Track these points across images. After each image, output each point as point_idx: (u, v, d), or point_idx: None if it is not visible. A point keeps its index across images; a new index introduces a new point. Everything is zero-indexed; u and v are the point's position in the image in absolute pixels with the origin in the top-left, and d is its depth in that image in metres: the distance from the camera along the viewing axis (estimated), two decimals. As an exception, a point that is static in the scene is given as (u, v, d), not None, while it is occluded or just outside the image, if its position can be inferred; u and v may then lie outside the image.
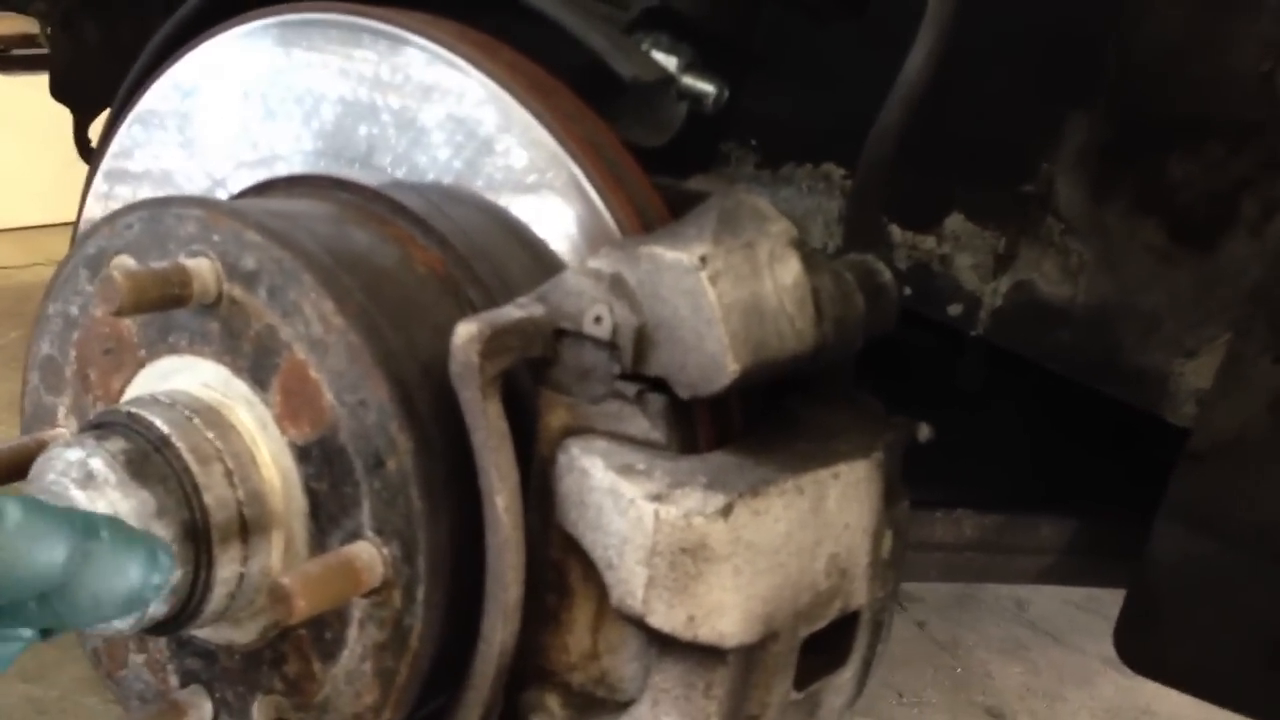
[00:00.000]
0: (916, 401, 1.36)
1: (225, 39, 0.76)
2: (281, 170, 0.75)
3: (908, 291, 1.24)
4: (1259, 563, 0.96)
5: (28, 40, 2.38)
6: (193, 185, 0.79)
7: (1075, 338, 1.16)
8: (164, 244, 0.66)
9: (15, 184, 3.56)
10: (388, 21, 0.71)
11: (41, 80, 2.28)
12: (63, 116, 1.88)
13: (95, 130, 1.80)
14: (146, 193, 0.81)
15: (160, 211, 0.66)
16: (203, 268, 0.64)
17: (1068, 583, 1.21)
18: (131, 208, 0.68)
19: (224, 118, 0.77)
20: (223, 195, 0.78)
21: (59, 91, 1.78)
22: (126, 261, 0.67)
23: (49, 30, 1.80)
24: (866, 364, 1.28)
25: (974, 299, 1.21)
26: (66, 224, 3.28)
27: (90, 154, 1.77)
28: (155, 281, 0.62)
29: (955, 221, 1.22)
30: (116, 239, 0.68)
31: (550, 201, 0.67)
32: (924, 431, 0.72)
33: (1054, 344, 1.17)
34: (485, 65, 0.67)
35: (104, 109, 1.78)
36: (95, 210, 0.83)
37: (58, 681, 1.74)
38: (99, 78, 1.74)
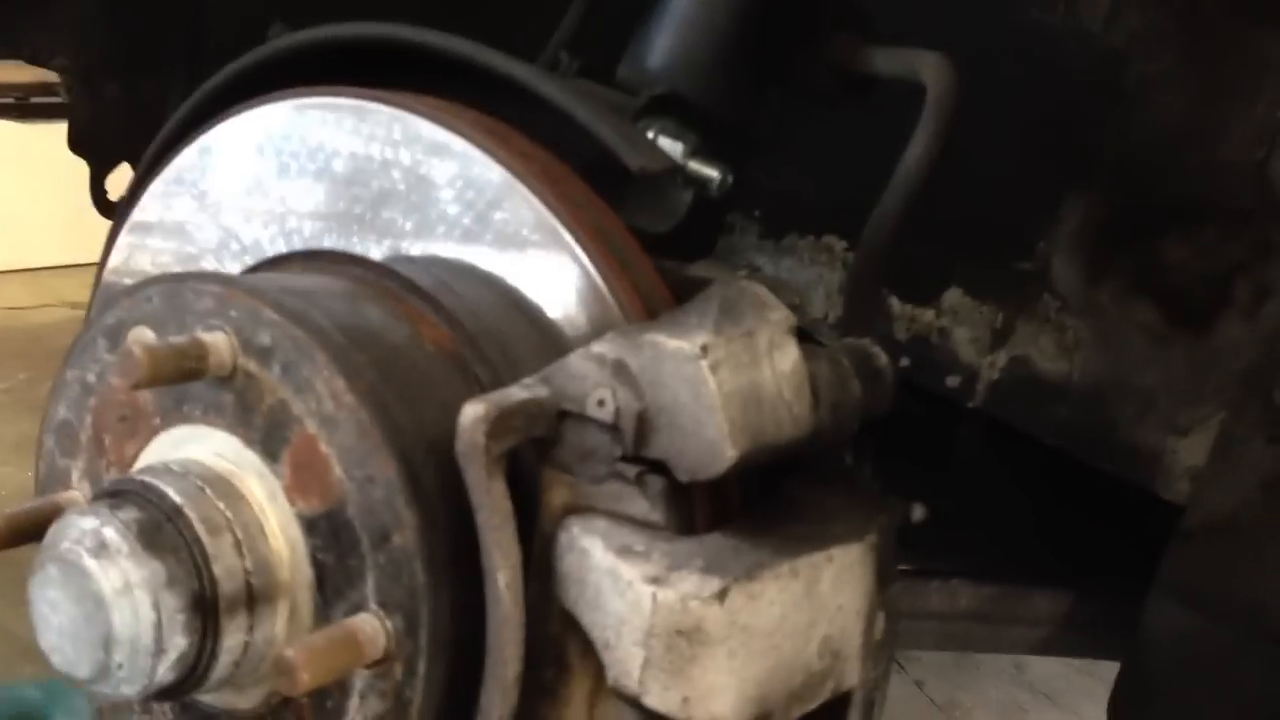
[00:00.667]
0: (913, 471, 1.38)
1: (247, 113, 0.79)
2: (292, 223, 0.77)
3: (905, 362, 1.26)
4: (1251, 641, 0.97)
5: (45, 89, 2.42)
6: (204, 235, 0.81)
7: (1071, 413, 1.19)
8: (182, 317, 0.68)
9: (27, 226, 3.61)
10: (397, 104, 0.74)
11: (55, 126, 2.32)
12: (75, 162, 1.92)
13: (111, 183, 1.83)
14: (158, 242, 0.84)
15: (179, 286, 0.68)
16: (219, 342, 0.66)
17: (1063, 654, 1.22)
18: (151, 281, 0.70)
19: (239, 172, 0.79)
20: (235, 246, 0.80)
21: (78, 144, 1.81)
22: (145, 333, 0.69)
23: (69, 85, 1.83)
24: (864, 434, 1.30)
25: (972, 372, 1.23)
26: (77, 266, 3.34)
27: (107, 206, 1.81)
28: (173, 355, 0.64)
29: (954, 296, 1.24)
30: (136, 311, 0.70)
31: (557, 286, 0.69)
32: (918, 512, 0.74)
33: (1050, 418, 1.20)
34: (499, 154, 0.69)
35: (121, 162, 1.82)
36: (117, 260, 0.86)
37: None
38: (117, 132, 1.78)
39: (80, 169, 1.90)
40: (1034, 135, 1.18)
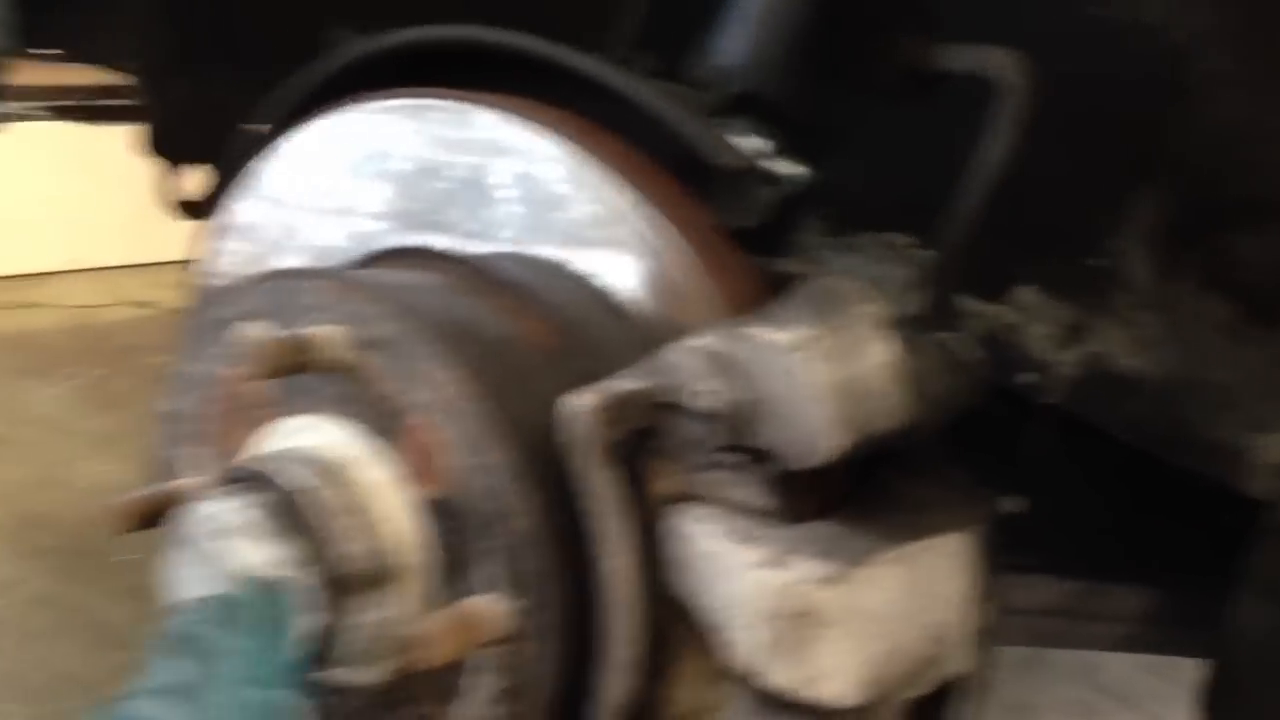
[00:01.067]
0: (987, 467, 1.38)
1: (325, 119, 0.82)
2: (354, 224, 0.80)
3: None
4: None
5: (109, 91, 2.47)
6: (269, 234, 0.84)
7: (1147, 409, 1.18)
8: (292, 311, 0.70)
9: (94, 226, 3.69)
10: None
11: (118, 127, 2.37)
12: (138, 162, 1.95)
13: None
14: (235, 244, 0.86)
15: (291, 282, 0.71)
16: (333, 335, 0.68)
17: (1145, 651, 1.22)
18: (264, 276, 0.73)
19: (305, 173, 0.82)
20: (298, 243, 0.82)
21: (150, 146, 1.85)
22: (256, 326, 0.72)
23: (139, 87, 1.87)
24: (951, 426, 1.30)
25: (1045, 368, 1.23)
26: (143, 265, 3.39)
27: (180, 207, 1.85)
28: (290, 348, 0.67)
29: (1027, 293, 1.24)
30: (247, 305, 0.73)
31: (651, 280, 0.71)
32: (1010, 505, 0.75)
33: (1126, 414, 1.19)
34: (596, 153, 0.71)
35: (192, 162, 1.86)
36: (211, 261, 0.88)
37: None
38: (188, 133, 1.82)
39: (142, 169, 1.94)
40: (1099, 132, 1.18)
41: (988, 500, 0.71)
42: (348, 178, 0.80)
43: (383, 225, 0.79)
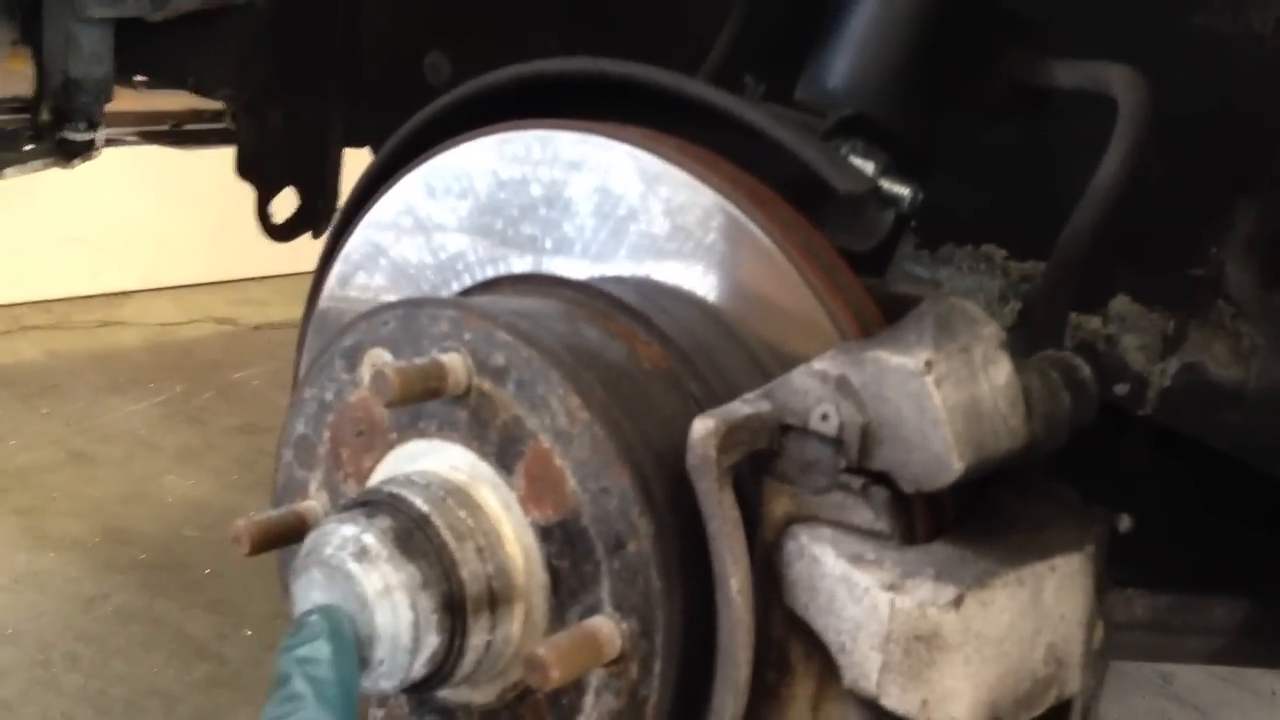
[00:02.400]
0: (1084, 480, 1.37)
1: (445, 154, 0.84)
2: (438, 239, 0.82)
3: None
4: None
5: (197, 115, 2.53)
6: (357, 253, 0.87)
7: (1246, 419, 1.17)
8: (418, 340, 0.73)
9: (175, 245, 3.77)
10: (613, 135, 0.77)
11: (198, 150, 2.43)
12: (217, 182, 2.00)
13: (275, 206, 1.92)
14: (363, 277, 0.89)
15: (415, 311, 0.73)
16: (455, 363, 0.70)
17: (1240, 664, 1.21)
18: (388, 306, 0.75)
19: (392, 197, 0.85)
20: (383, 262, 0.85)
21: (244, 171, 1.91)
22: (383, 354, 0.74)
23: (234, 114, 1.93)
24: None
25: (1141, 379, 1.22)
26: (222, 282, 3.48)
27: (273, 230, 1.89)
28: (419, 376, 0.69)
29: (1122, 302, 1.24)
30: (373, 333, 0.75)
31: (772, 303, 0.72)
32: (1125, 522, 0.75)
33: (1224, 425, 1.18)
34: (712, 180, 0.73)
35: (285, 186, 1.90)
36: (328, 289, 0.91)
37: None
38: (281, 158, 1.87)
39: (222, 190, 1.99)
40: (1203, 140, 1.17)
41: (1103, 519, 0.71)
42: (429, 198, 0.83)
43: (463, 241, 0.81)
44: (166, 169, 2.77)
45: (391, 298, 0.85)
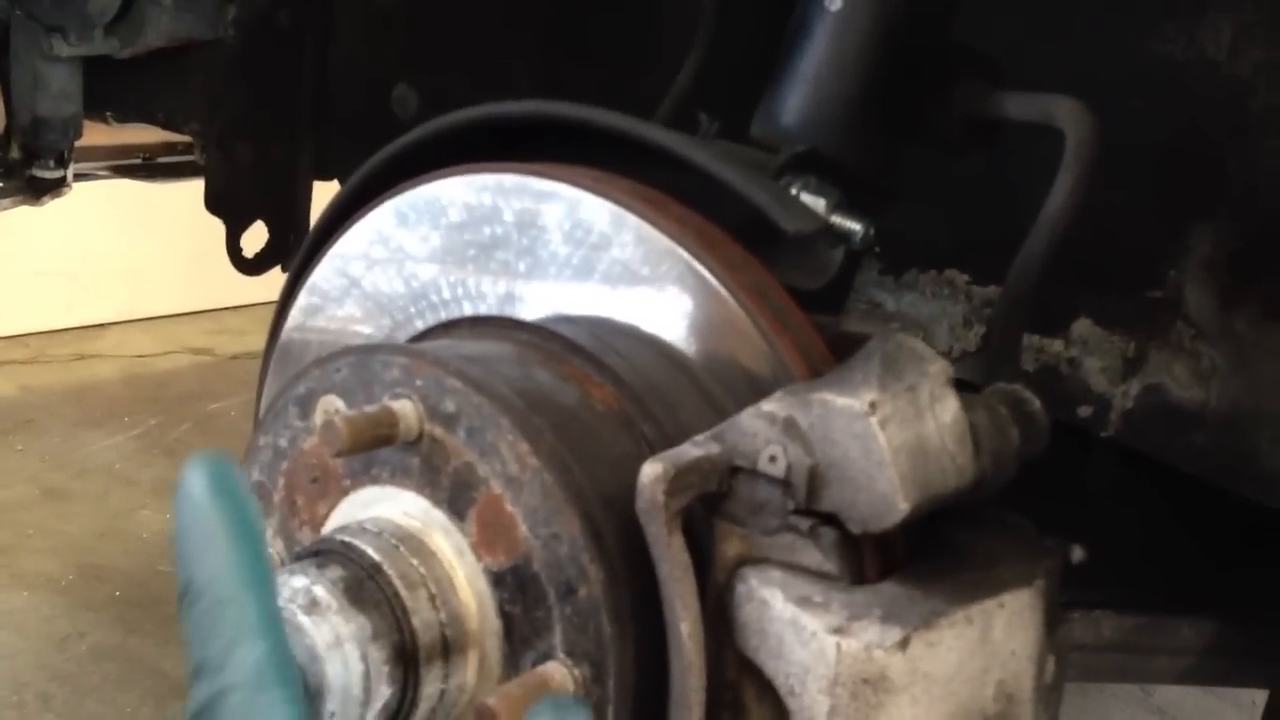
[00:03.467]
0: (1049, 503, 1.38)
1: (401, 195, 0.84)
2: (410, 268, 0.82)
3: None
4: None
5: (169, 148, 2.53)
6: (329, 285, 0.87)
7: (1209, 440, 1.18)
8: (370, 387, 0.73)
9: (150, 276, 3.77)
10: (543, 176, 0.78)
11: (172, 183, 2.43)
12: (192, 214, 2.00)
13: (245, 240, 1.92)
14: (303, 299, 0.89)
15: (367, 358, 0.73)
16: (406, 410, 0.70)
17: (1208, 683, 1.21)
18: (339, 354, 0.75)
19: (362, 229, 0.85)
20: (357, 294, 0.85)
21: (214, 205, 1.91)
22: (335, 402, 0.74)
23: (203, 148, 1.93)
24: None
25: (1104, 401, 1.23)
26: (197, 312, 3.49)
27: (243, 263, 1.89)
28: (369, 424, 0.69)
29: (1083, 326, 1.25)
30: (326, 381, 0.75)
31: (719, 346, 0.73)
32: (1077, 554, 0.76)
33: (1187, 446, 1.19)
34: (661, 223, 0.73)
35: (255, 220, 1.90)
36: (292, 322, 0.91)
37: None
38: (250, 192, 1.87)
39: (196, 220, 2.00)
40: (1160, 165, 1.18)
41: (1054, 551, 0.72)
42: (401, 228, 0.83)
43: (434, 269, 0.81)
44: (141, 200, 2.77)
45: (365, 329, 0.85)
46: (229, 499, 0.54)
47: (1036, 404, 0.76)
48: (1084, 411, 1.24)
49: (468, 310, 0.81)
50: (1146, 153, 1.18)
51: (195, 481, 0.54)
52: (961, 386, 0.74)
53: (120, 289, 3.74)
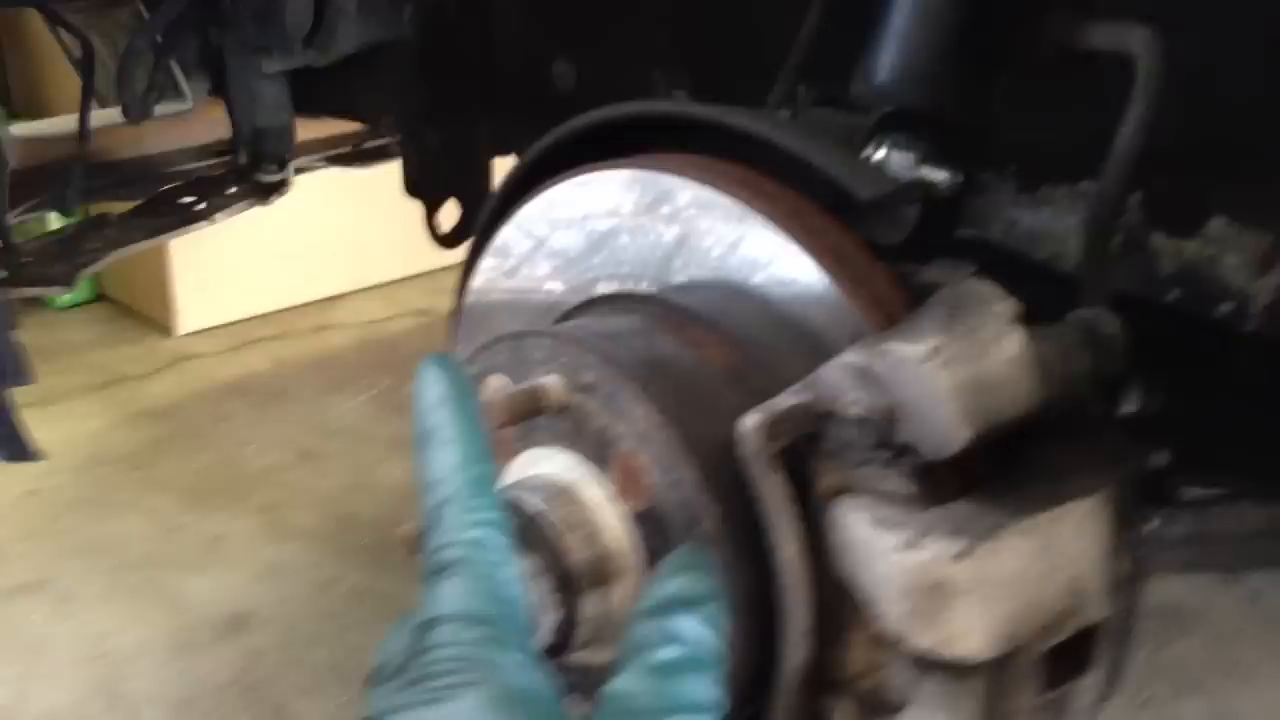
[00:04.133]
0: (1198, 398, 1.41)
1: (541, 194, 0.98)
2: (590, 227, 0.95)
3: (1175, 294, 1.30)
4: None
5: (375, 135, 2.75)
6: (520, 249, 1.01)
7: (1350, 329, 1.19)
8: (524, 365, 0.88)
9: (374, 247, 4.08)
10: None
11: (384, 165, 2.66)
12: (403, 188, 2.20)
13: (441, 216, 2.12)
14: (491, 260, 1.04)
15: (520, 341, 0.88)
16: (554, 382, 0.85)
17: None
18: (500, 338, 0.91)
19: (537, 233, 0.99)
20: (545, 250, 0.97)
21: (410, 189, 2.11)
22: (499, 379, 0.89)
23: (398, 138, 2.13)
24: (1159, 368, 1.37)
25: (1244, 297, 1.25)
26: (417, 275, 3.77)
27: (441, 239, 2.09)
28: (523, 398, 0.84)
29: (1218, 224, 1.27)
30: (490, 362, 0.90)
31: (810, 305, 0.83)
32: (1161, 458, 0.83)
33: (1328, 337, 1.20)
34: (754, 202, 0.84)
35: (448, 198, 2.10)
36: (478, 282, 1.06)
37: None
38: (441, 174, 2.06)
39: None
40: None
41: (1127, 460, 0.79)
42: (570, 205, 0.96)
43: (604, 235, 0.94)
44: (359, 181, 3.03)
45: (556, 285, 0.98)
46: (456, 392, 0.68)
47: (1114, 327, 0.83)
48: (1225, 308, 1.26)
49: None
50: (1270, 42, 1.18)
51: (427, 380, 0.69)
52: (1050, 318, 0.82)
53: (351, 261, 4.07)
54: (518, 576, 0.63)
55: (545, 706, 0.58)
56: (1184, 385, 1.46)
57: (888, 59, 1.00)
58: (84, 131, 2.02)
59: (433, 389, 0.68)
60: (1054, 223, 1.39)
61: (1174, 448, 1.29)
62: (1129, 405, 1.47)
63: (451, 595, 0.60)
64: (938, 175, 0.92)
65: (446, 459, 0.66)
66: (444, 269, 4.29)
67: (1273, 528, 1.19)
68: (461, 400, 0.68)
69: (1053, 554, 0.73)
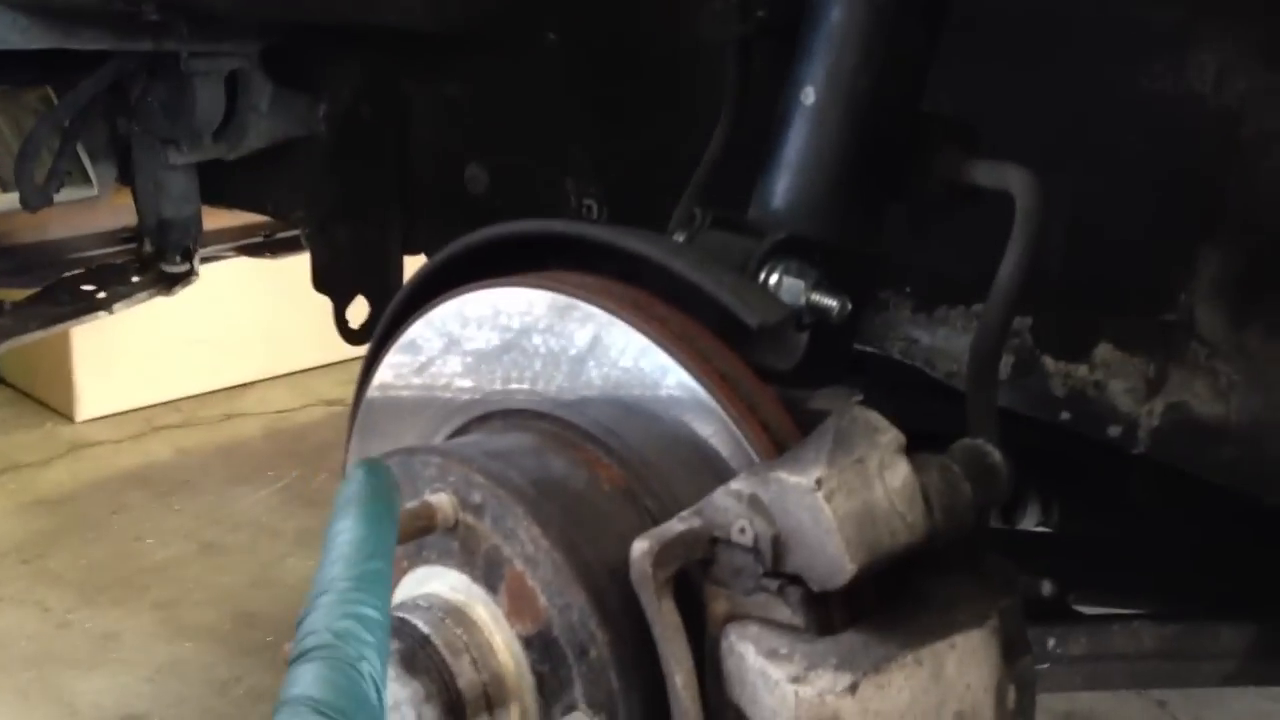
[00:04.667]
0: (1094, 519, 1.44)
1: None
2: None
3: (1066, 416, 1.33)
4: None
5: (285, 228, 2.73)
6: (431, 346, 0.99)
7: (1234, 452, 1.24)
8: (414, 482, 0.86)
9: (284, 335, 4.03)
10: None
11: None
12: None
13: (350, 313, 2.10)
14: (398, 357, 1.02)
15: (409, 458, 0.87)
16: (443, 502, 0.84)
17: (1254, 684, 1.26)
18: (389, 455, 0.89)
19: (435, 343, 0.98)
20: (460, 349, 0.96)
21: (319, 284, 2.10)
22: (389, 497, 0.88)
23: (307, 233, 2.12)
24: (1055, 486, 1.39)
25: (1131, 421, 1.29)
26: (328, 365, 3.72)
27: (349, 334, 2.07)
28: (410, 517, 0.83)
29: (1105, 350, 1.31)
30: (381, 478, 0.89)
31: (698, 430, 0.84)
32: (1046, 587, 0.84)
33: (1214, 459, 1.25)
34: (644, 326, 0.85)
35: (356, 295, 2.08)
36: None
37: None
38: (351, 271, 2.05)
39: (325, 283, 2.18)
40: (1161, 195, 1.24)
41: (1015, 590, 0.80)
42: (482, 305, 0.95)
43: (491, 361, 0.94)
44: (273, 269, 2.99)
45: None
46: (371, 494, 0.74)
47: (996, 455, 0.85)
48: (1114, 431, 1.30)
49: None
50: (1147, 184, 1.24)
51: (349, 481, 0.74)
52: (928, 448, 0.83)
53: (260, 349, 4.01)
54: (380, 674, 0.65)
55: None
56: (1078, 504, 1.50)
57: (782, 187, 1.02)
58: (-19, 217, 1.98)
59: (350, 489, 0.73)
60: (950, 342, 1.43)
61: (1068, 565, 1.32)
62: (1026, 522, 1.50)
63: (304, 680, 0.62)
64: (828, 302, 0.93)
65: (339, 553, 0.69)
66: (355, 359, 4.25)
67: (1166, 648, 1.21)
68: (374, 503, 0.72)
69: (942, 686, 0.73)
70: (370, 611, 0.66)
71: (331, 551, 0.70)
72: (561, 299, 0.90)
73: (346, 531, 0.70)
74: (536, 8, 1.62)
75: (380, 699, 0.64)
